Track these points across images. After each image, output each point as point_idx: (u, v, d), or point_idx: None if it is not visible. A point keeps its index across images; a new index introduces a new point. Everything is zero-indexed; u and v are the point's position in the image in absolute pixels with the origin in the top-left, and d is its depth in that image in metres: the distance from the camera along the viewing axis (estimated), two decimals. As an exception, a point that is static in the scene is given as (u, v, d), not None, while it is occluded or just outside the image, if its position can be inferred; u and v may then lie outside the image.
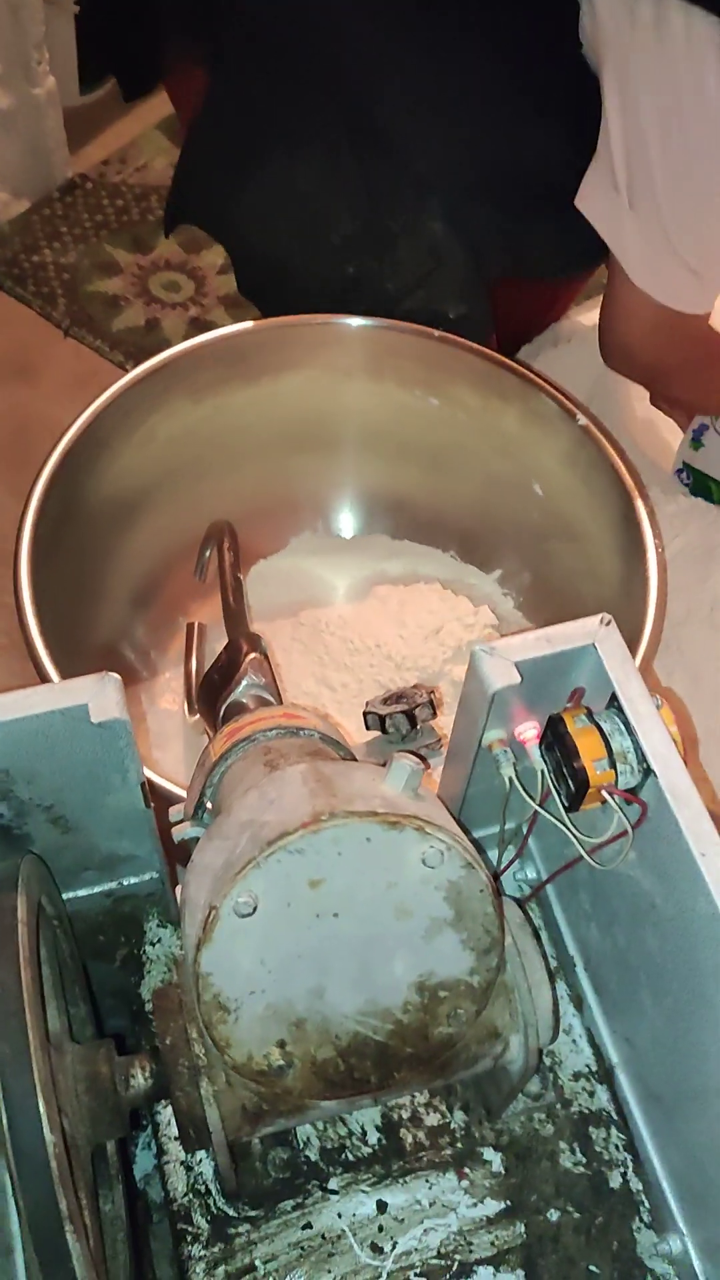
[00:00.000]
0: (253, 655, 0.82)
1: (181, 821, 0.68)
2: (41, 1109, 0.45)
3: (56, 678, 0.86)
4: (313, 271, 1.13)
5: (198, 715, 1.02)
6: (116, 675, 0.54)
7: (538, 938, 0.58)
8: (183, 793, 0.81)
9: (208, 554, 1.06)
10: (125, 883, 0.70)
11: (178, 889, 0.73)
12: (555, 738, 0.56)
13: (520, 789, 0.59)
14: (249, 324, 1.07)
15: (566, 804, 0.57)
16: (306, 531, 1.21)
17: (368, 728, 0.70)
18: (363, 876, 0.51)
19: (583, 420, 1.00)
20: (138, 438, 1.04)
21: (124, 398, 1.01)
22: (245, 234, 1.16)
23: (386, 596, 1.09)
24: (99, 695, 0.53)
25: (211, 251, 1.84)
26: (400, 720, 0.68)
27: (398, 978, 0.53)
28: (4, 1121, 0.45)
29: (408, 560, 1.18)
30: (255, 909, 0.50)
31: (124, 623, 1.11)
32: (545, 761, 0.58)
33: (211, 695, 0.82)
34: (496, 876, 0.69)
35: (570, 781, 0.55)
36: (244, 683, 0.80)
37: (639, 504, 0.95)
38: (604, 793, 0.54)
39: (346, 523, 1.22)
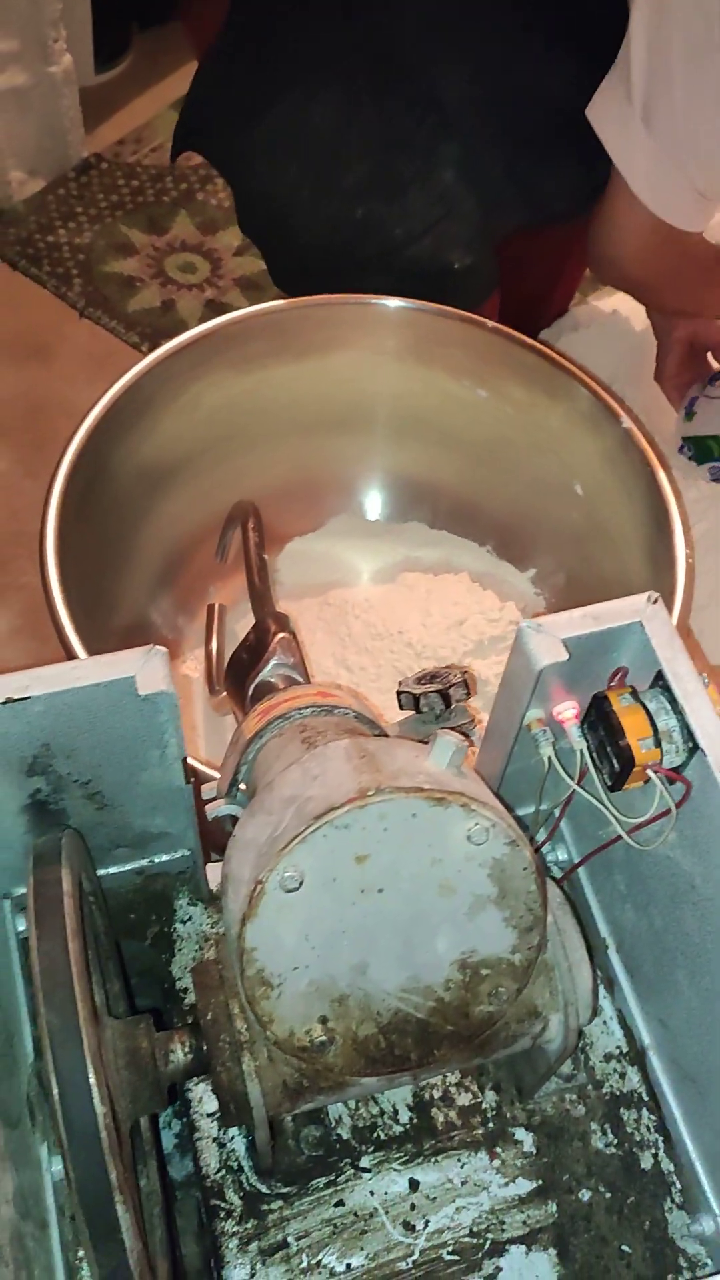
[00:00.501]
0: (282, 635, 0.82)
1: (215, 799, 0.67)
2: (92, 1080, 0.45)
3: (84, 656, 0.86)
4: (320, 212, 1.11)
5: (219, 696, 1.02)
6: (163, 648, 0.53)
7: (577, 917, 0.58)
8: (207, 769, 0.81)
9: (230, 535, 1.05)
10: (156, 860, 0.70)
11: (208, 867, 0.73)
12: (599, 716, 0.55)
13: (559, 769, 0.59)
14: (302, 299, 1.06)
15: (609, 783, 0.56)
16: (344, 513, 1.20)
17: (401, 707, 0.70)
18: (407, 852, 0.51)
19: (626, 423, 0.99)
20: (181, 404, 1.03)
21: (168, 363, 1.00)
22: (254, 169, 1.14)
23: (414, 584, 1.09)
24: (146, 668, 0.52)
25: (227, 233, 1.83)
26: (434, 700, 0.67)
27: (440, 955, 0.53)
28: (55, 1093, 0.44)
29: (443, 550, 1.17)
30: (301, 884, 0.50)
31: (146, 602, 1.11)
32: (587, 741, 0.57)
33: (240, 674, 0.82)
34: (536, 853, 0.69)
35: (615, 760, 0.55)
36: (272, 662, 0.80)
37: (674, 514, 0.93)
38: (649, 771, 0.54)
39: (385, 507, 1.22)
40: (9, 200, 1.82)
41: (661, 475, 0.96)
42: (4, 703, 0.51)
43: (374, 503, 1.21)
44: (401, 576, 1.11)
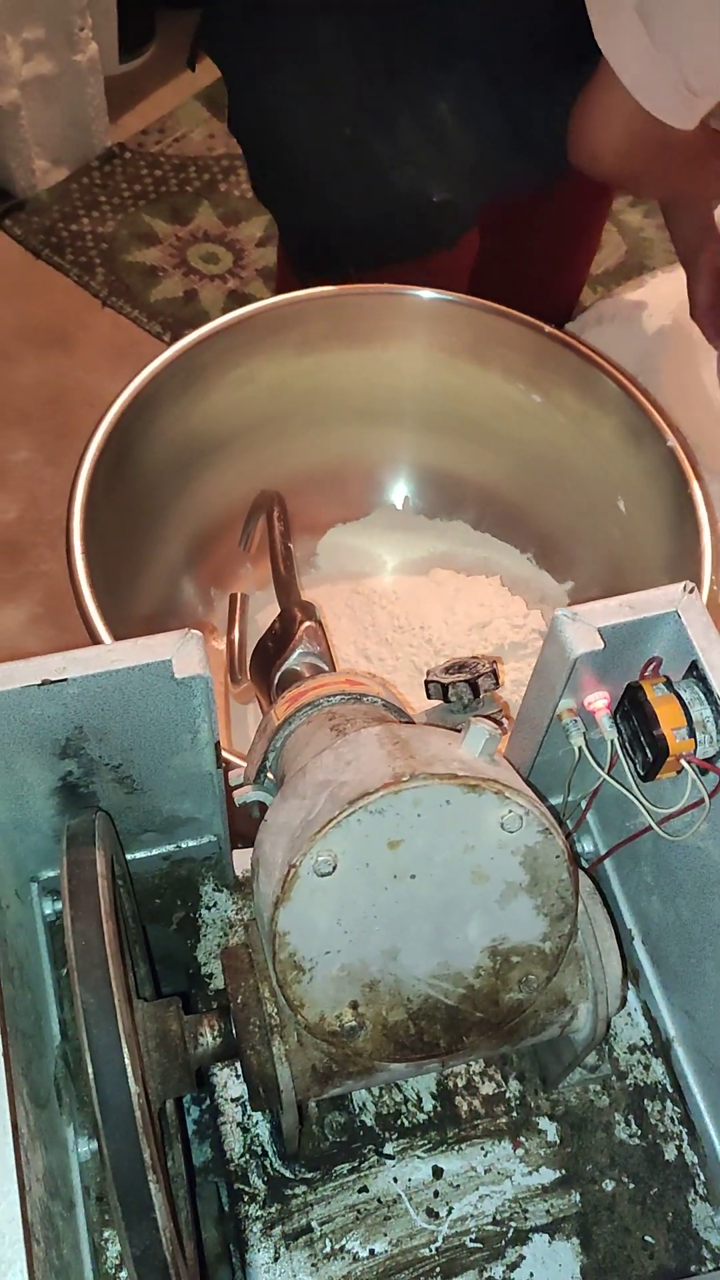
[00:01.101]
0: (308, 624, 0.82)
1: (242, 785, 0.68)
2: (126, 1060, 0.45)
3: (109, 641, 0.86)
4: (309, 126, 1.10)
5: (241, 685, 1.02)
6: (198, 632, 0.53)
7: (607, 906, 0.58)
8: (231, 756, 0.82)
9: (254, 524, 1.05)
10: (183, 846, 0.71)
11: (234, 854, 0.73)
12: (633, 706, 0.55)
13: (590, 758, 0.59)
14: (363, 287, 1.07)
15: (642, 773, 0.56)
16: (388, 505, 1.20)
17: (429, 696, 0.70)
18: (441, 839, 0.51)
19: (671, 441, 0.99)
20: (235, 376, 1.04)
21: (224, 335, 1.00)
22: (252, 74, 1.12)
23: (444, 581, 1.09)
24: (182, 651, 0.52)
25: (250, 224, 1.83)
26: (463, 689, 0.67)
27: (471, 942, 0.53)
28: (89, 1071, 0.45)
29: (484, 552, 1.17)
30: (334, 868, 0.50)
31: (173, 585, 1.11)
32: (620, 730, 0.57)
33: (265, 663, 0.82)
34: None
35: (648, 750, 0.55)
36: (298, 651, 0.80)
37: (705, 540, 0.93)
38: (682, 761, 0.54)
39: (430, 503, 1.21)
40: (33, 189, 1.82)
41: (698, 496, 0.96)
42: (40, 685, 0.51)
43: (419, 497, 1.22)
44: (433, 572, 1.11)
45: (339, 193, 1.09)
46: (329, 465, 1.13)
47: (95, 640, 0.87)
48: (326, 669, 0.79)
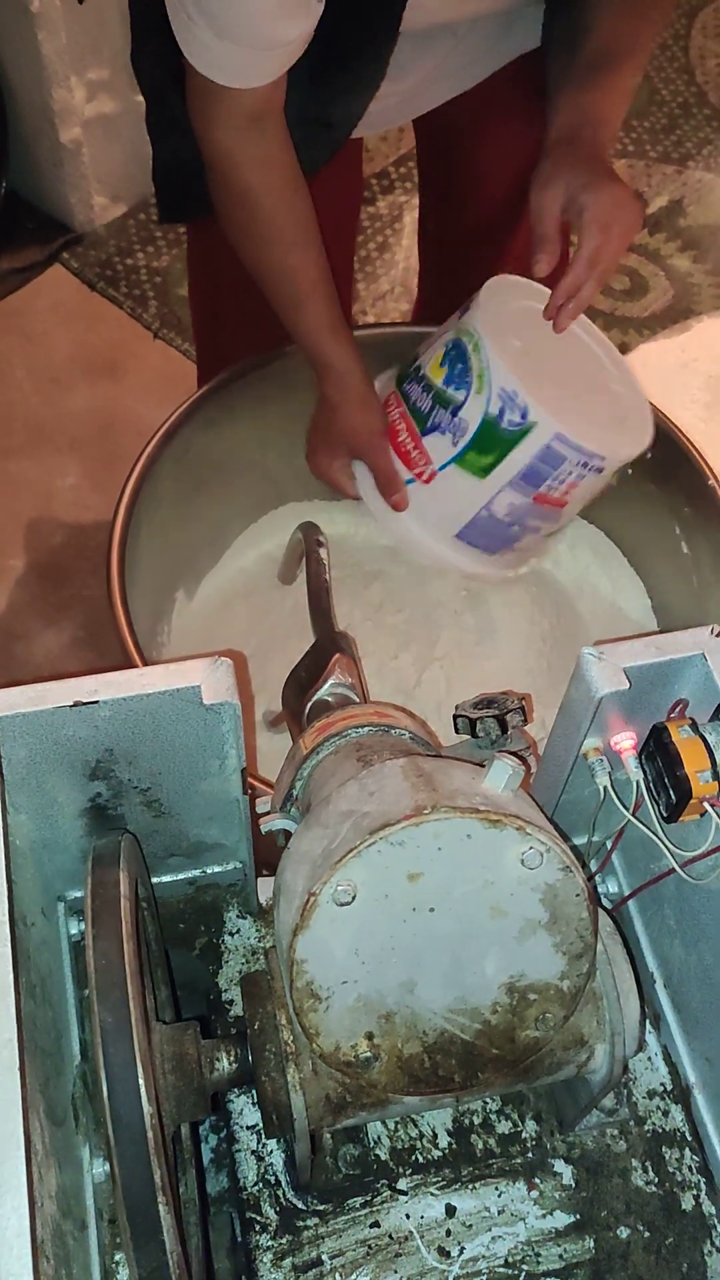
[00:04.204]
0: (340, 656, 0.82)
1: (268, 813, 0.68)
2: (140, 1080, 0.45)
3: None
4: (161, 67, 1.00)
5: (273, 714, 1.03)
6: (229, 660, 0.54)
7: (628, 948, 0.58)
8: (259, 785, 0.82)
9: (295, 557, 1.07)
10: (208, 871, 0.71)
11: (259, 881, 0.73)
12: (658, 747, 0.55)
13: (615, 798, 0.59)
14: None
15: (665, 815, 0.56)
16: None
17: (457, 731, 0.70)
18: (461, 873, 0.51)
19: None
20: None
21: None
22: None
23: (505, 652, 1.07)
24: (212, 677, 0.53)
25: (301, 261, 1.86)
26: (491, 725, 0.67)
27: (488, 977, 0.53)
28: (104, 1090, 0.45)
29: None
30: (353, 898, 0.50)
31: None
32: (645, 771, 0.57)
33: (297, 692, 0.83)
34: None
35: (672, 792, 0.55)
36: (330, 682, 0.80)
37: None
38: (706, 804, 0.54)
39: None
40: (91, 224, 1.86)
41: None
42: (72, 706, 0.52)
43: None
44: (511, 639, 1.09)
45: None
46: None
47: (131, 664, 0.88)
48: (357, 700, 0.79)
